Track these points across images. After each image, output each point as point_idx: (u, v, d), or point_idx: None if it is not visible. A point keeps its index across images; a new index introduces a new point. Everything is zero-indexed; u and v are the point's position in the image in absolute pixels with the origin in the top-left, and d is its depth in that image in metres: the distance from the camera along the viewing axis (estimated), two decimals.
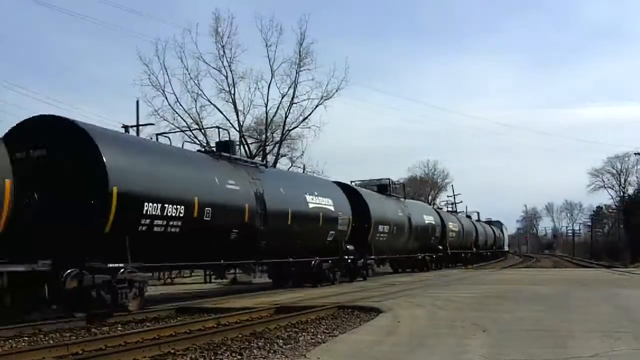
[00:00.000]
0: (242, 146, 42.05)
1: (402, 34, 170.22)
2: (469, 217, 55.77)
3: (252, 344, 9.17)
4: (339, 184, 25.29)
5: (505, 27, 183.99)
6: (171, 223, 13.93)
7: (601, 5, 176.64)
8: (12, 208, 10.76)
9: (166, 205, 13.72)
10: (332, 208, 21.66)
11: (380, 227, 26.28)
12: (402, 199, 32.41)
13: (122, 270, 12.78)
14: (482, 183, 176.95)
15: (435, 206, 55.84)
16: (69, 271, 11.70)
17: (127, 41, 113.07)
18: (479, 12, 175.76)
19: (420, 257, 33.74)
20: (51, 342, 10.07)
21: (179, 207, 14.09)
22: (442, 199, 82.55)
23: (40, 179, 12.26)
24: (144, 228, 13.26)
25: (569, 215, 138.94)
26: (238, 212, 16.52)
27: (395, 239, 28.21)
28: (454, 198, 77.09)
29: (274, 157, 42.27)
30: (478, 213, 61.79)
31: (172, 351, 8.60)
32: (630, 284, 20.80)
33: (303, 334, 10.24)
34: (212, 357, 8.33)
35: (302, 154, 42.34)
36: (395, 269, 33.95)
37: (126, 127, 35.00)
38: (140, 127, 36.52)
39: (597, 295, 15.97)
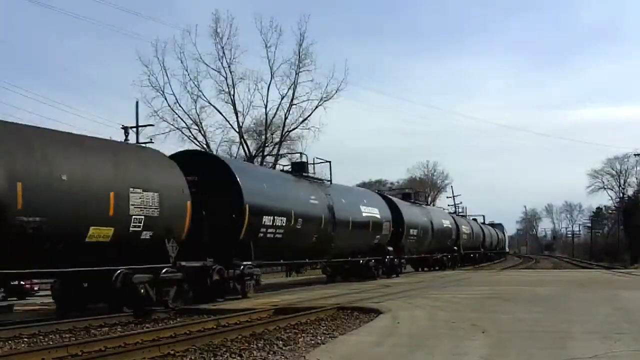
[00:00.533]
0: (241, 147, 42.29)
1: (401, 34, 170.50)
2: (475, 219, 57.94)
3: (251, 345, 9.17)
4: (378, 194, 30.61)
5: (503, 28, 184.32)
6: (278, 231, 18.21)
7: (599, 6, 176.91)
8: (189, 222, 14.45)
9: (275, 217, 18.03)
10: (378, 216, 25.73)
11: (411, 231, 30.34)
12: (424, 205, 38.10)
13: (248, 266, 16.68)
14: (481, 184, 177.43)
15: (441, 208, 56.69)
16: (214, 267, 15.52)
17: (126, 42, 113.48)
18: (477, 13, 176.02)
19: (438, 256, 37.53)
20: (50, 343, 10.08)
21: (283, 218, 18.41)
22: (442, 200, 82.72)
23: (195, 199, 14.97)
24: (261, 235, 17.45)
25: (568, 216, 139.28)
26: (317, 221, 20.78)
27: (421, 241, 32.39)
28: (454, 199, 77.21)
29: (273, 157, 42.31)
30: (483, 216, 64.58)
31: (172, 352, 8.59)
32: (630, 285, 20.79)
33: (303, 335, 10.24)
34: (212, 359, 8.34)
35: (301, 155, 42.33)
36: (416, 267, 36.88)
37: (126, 128, 35.01)
38: (140, 128, 36.63)
39: (596, 296, 15.97)
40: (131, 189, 12.90)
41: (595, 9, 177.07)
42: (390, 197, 30.97)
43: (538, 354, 7.73)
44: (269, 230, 17.74)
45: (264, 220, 17.45)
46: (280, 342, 9.47)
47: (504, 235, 75.12)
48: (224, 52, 40.00)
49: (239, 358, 8.34)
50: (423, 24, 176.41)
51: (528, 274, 32.78)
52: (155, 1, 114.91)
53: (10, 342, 10.25)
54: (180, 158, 15.93)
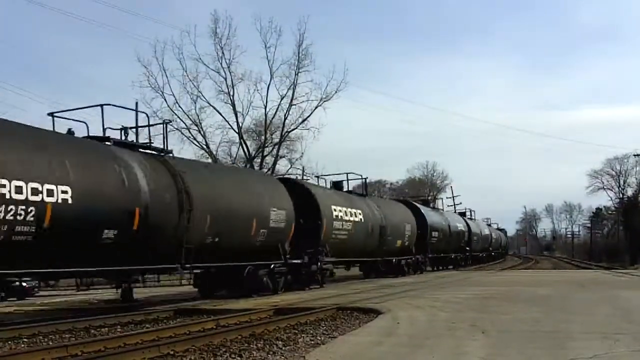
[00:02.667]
0: (241, 147, 42.30)
1: (400, 35, 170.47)
2: (489, 223, 60.57)
3: (251, 346, 9.17)
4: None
5: (502, 28, 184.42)
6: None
7: (598, 7, 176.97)
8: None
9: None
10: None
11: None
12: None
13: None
14: (481, 184, 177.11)
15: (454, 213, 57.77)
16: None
17: (125, 42, 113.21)
18: (476, 14, 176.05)
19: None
20: (50, 343, 10.08)
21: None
22: (442, 200, 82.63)
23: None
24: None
25: (568, 216, 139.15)
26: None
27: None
28: (454, 200, 77.21)
29: (273, 158, 42.32)
30: (489, 219, 66.92)
31: (172, 352, 8.60)
32: (630, 286, 20.80)
33: (302, 335, 10.24)
34: (212, 359, 8.34)
35: (301, 156, 42.43)
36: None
37: (125, 129, 34.98)
38: (139, 129, 36.55)
39: (596, 296, 15.97)
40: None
41: (594, 9, 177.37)
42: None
43: (538, 354, 7.73)
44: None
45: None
46: (280, 342, 9.47)
47: (506, 237, 76.67)
48: (223, 53, 40.05)
49: (238, 358, 8.35)
50: (422, 24, 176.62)
51: (528, 274, 32.81)
52: (154, 1, 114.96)
53: (10, 342, 10.25)
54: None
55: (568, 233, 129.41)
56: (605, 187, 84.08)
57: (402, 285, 21.98)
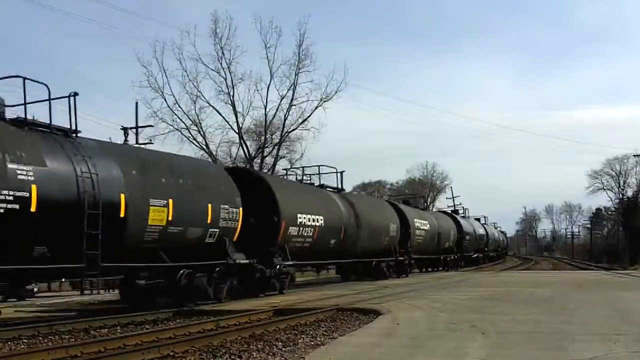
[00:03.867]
0: (241, 148, 42.29)
1: (400, 36, 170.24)
2: (477, 220, 58.65)
3: (251, 347, 9.17)
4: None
5: (500, 29, 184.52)
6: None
7: (597, 7, 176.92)
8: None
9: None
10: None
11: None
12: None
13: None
14: (481, 185, 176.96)
15: (438, 209, 57.20)
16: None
17: (124, 42, 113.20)
18: (475, 15, 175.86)
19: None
20: (50, 344, 10.07)
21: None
22: (442, 200, 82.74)
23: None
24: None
25: (568, 217, 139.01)
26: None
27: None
28: (453, 200, 77.22)
29: (273, 159, 42.32)
30: (486, 217, 65.13)
31: (171, 353, 8.60)
32: (630, 287, 20.82)
33: (302, 336, 10.24)
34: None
35: (301, 156, 42.42)
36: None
37: (125, 129, 34.99)
38: (139, 129, 36.61)
39: (596, 297, 15.98)
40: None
41: (593, 9, 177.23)
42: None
43: (537, 355, 7.74)
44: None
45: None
46: (280, 343, 9.47)
47: (505, 237, 75.98)
48: (223, 53, 40.04)
49: (238, 359, 8.35)
50: (422, 25, 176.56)
51: (527, 275, 32.80)
52: (154, 2, 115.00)
53: (9, 343, 10.25)
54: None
55: (568, 234, 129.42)
56: (605, 187, 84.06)
57: (371, 291, 19.18)
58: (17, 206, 10.75)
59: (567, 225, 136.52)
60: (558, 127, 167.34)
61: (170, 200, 14.05)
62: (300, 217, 19.77)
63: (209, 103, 40.62)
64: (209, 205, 15.41)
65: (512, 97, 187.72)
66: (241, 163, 41.22)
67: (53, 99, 12.57)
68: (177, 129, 39.48)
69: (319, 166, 25.28)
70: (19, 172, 10.94)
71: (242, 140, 41.83)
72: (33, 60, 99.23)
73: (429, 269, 38.36)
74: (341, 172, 25.71)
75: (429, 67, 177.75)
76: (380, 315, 12.27)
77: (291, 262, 19.32)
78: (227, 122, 40.95)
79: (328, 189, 24.50)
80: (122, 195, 12.87)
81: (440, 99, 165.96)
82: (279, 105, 41.19)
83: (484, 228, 56.07)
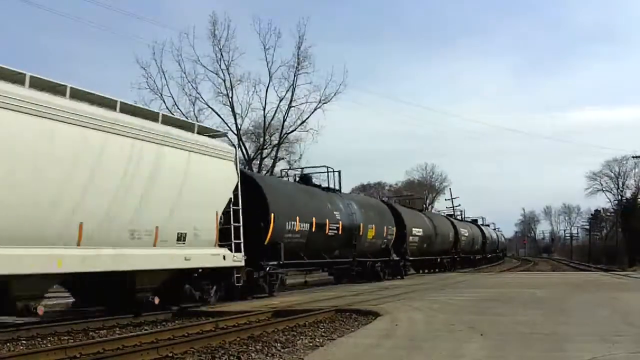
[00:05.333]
0: (239, 149, 42.25)
1: (399, 37, 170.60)
2: (474, 221, 58.79)
3: (250, 348, 9.17)
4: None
5: (500, 30, 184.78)
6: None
7: (595, 8, 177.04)
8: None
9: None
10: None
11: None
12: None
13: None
14: (479, 186, 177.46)
15: (437, 211, 57.37)
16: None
17: (123, 44, 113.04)
18: (474, 16, 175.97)
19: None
20: (49, 345, 10.07)
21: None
22: (441, 202, 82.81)
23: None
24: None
25: (567, 218, 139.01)
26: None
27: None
28: (452, 202, 77.28)
29: (272, 160, 42.31)
30: (483, 218, 65.88)
31: (171, 354, 8.61)
32: (628, 288, 20.82)
33: (301, 337, 10.24)
34: None
35: (300, 157, 42.40)
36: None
37: None
38: None
39: (594, 298, 15.99)
40: None
41: (592, 11, 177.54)
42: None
43: (536, 357, 7.75)
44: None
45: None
46: (279, 344, 9.47)
47: (503, 238, 75.86)
48: (221, 55, 39.97)
49: None
50: (421, 26, 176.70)
51: (526, 276, 32.78)
52: (153, 3, 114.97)
53: (8, 344, 10.24)
54: None
55: (567, 235, 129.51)
56: (604, 189, 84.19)
57: (366, 293, 19.00)
58: (335, 231, 22.27)
59: (566, 227, 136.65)
60: (557, 128, 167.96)
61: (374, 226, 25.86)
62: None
63: (207, 104, 40.63)
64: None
65: (511, 99, 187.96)
66: (240, 164, 41.16)
67: (328, 171, 24.20)
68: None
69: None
70: (335, 213, 22.56)
71: (240, 142, 41.80)
72: (32, 60, 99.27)
73: (426, 271, 38.02)
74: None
75: (429, 69, 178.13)
76: (379, 316, 12.27)
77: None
78: (226, 124, 40.94)
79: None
80: (361, 224, 24.47)
81: (439, 100, 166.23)
82: (278, 106, 41.21)
83: (481, 229, 55.71)
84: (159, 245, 13.26)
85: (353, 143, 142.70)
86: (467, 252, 47.03)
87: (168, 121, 14.40)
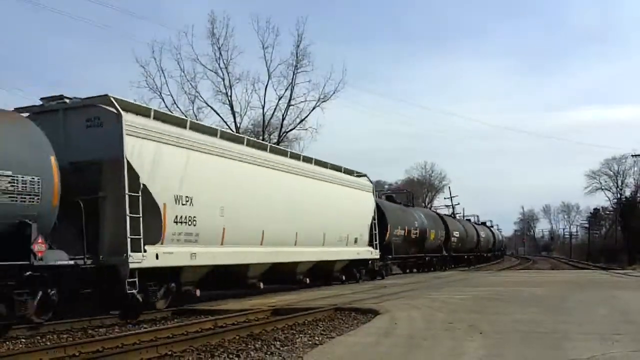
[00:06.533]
0: None
1: (398, 37, 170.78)
2: (468, 220, 58.08)
3: (249, 346, 9.18)
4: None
5: (499, 30, 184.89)
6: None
7: (594, 8, 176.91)
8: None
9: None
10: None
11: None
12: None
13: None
14: (479, 185, 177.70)
15: (435, 209, 57.09)
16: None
17: (122, 43, 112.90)
18: (473, 16, 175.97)
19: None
20: (48, 343, 10.07)
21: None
22: (440, 200, 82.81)
23: None
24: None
25: (566, 217, 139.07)
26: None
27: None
28: (451, 200, 77.31)
29: None
30: (477, 216, 66.06)
31: (170, 353, 8.61)
32: (627, 286, 20.81)
33: (300, 335, 10.24)
34: (210, 359, 8.34)
35: None
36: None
37: None
38: None
39: (594, 297, 15.98)
40: None
41: (589, 11, 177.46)
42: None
43: (536, 355, 7.75)
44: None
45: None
46: (278, 342, 9.48)
47: (501, 236, 75.50)
48: (220, 53, 39.95)
49: (236, 358, 8.36)
50: (421, 26, 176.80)
51: (525, 274, 32.79)
52: (151, 2, 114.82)
53: (7, 342, 10.24)
54: None
55: (566, 233, 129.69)
56: (603, 187, 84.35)
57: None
58: (416, 234, 33.15)
59: (565, 225, 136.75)
60: (556, 127, 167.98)
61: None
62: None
63: (207, 103, 40.63)
64: None
65: (510, 98, 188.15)
66: None
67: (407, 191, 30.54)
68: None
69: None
70: (415, 222, 32.91)
71: None
72: (29, 59, 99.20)
73: (414, 270, 36.02)
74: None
75: (428, 68, 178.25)
76: (378, 314, 12.27)
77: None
78: (225, 122, 40.94)
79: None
80: (427, 229, 35.21)
81: (439, 99, 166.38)
82: (277, 105, 41.26)
83: (475, 227, 54.25)
84: (346, 245, 22.85)
85: (352, 142, 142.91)
86: (459, 250, 45.16)
87: (335, 168, 23.25)
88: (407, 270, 35.71)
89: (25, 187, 10.23)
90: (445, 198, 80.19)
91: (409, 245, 32.84)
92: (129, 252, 12.07)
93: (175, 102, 39.55)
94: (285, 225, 18.26)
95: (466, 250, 48.36)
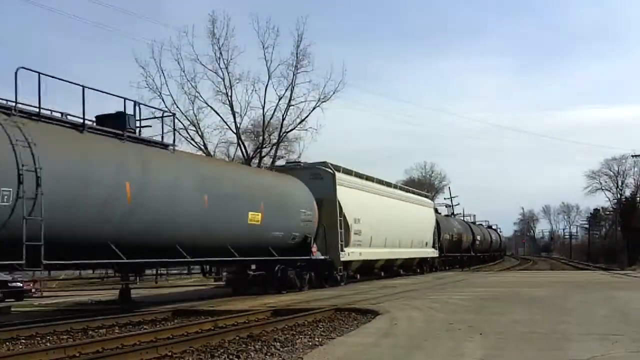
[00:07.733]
0: (239, 148, 42.35)
1: (397, 37, 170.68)
2: (464, 220, 57.43)
3: (249, 347, 9.17)
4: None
5: (497, 30, 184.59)
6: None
7: (591, 8, 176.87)
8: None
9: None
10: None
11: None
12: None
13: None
14: (478, 185, 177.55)
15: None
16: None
17: (122, 43, 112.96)
18: (471, 15, 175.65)
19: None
20: (48, 344, 10.07)
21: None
22: (440, 200, 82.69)
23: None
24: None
25: (566, 217, 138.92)
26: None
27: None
28: (451, 200, 77.28)
29: (271, 159, 42.25)
30: (474, 216, 65.31)
31: (170, 353, 8.60)
32: (627, 287, 20.82)
33: (300, 336, 10.24)
34: None
35: (299, 156, 42.36)
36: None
37: None
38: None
39: (594, 297, 15.99)
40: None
41: (588, 10, 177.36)
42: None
43: (535, 356, 7.74)
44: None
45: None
46: (278, 343, 9.47)
47: (500, 237, 75.23)
48: (221, 53, 39.82)
49: (236, 359, 8.35)
50: (418, 26, 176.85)
51: (525, 275, 32.80)
52: (151, 2, 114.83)
53: (7, 343, 10.24)
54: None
55: (566, 234, 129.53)
56: (603, 187, 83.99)
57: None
58: (457, 237, 46.81)
59: (565, 226, 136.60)
60: (556, 127, 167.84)
61: None
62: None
63: (207, 103, 40.53)
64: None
65: (509, 98, 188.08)
66: (240, 163, 41.11)
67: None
68: (175, 129, 39.23)
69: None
70: (454, 228, 46.99)
71: (240, 141, 41.71)
72: (28, 59, 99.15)
73: (402, 272, 32.25)
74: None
75: (427, 68, 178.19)
76: (378, 315, 12.26)
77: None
78: (225, 123, 40.86)
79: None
80: (462, 233, 50.23)
81: (438, 99, 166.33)
82: (277, 105, 41.12)
83: (470, 227, 53.54)
84: (416, 247, 32.89)
85: (352, 142, 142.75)
86: (452, 250, 44.39)
87: (410, 191, 35.77)
88: (447, 268, 42.04)
89: (308, 217, 20.58)
90: (445, 198, 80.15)
91: (451, 246, 41.73)
92: (339, 252, 22.48)
93: (175, 103, 39.53)
94: (394, 233, 28.80)
95: (460, 251, 48.62)
